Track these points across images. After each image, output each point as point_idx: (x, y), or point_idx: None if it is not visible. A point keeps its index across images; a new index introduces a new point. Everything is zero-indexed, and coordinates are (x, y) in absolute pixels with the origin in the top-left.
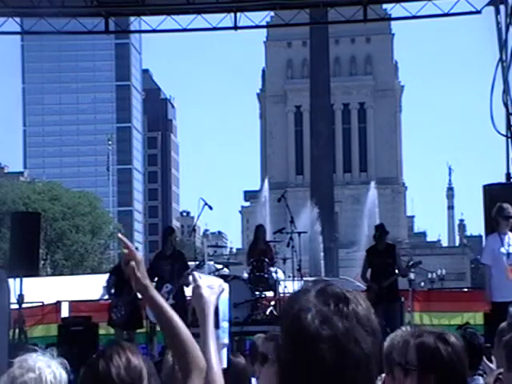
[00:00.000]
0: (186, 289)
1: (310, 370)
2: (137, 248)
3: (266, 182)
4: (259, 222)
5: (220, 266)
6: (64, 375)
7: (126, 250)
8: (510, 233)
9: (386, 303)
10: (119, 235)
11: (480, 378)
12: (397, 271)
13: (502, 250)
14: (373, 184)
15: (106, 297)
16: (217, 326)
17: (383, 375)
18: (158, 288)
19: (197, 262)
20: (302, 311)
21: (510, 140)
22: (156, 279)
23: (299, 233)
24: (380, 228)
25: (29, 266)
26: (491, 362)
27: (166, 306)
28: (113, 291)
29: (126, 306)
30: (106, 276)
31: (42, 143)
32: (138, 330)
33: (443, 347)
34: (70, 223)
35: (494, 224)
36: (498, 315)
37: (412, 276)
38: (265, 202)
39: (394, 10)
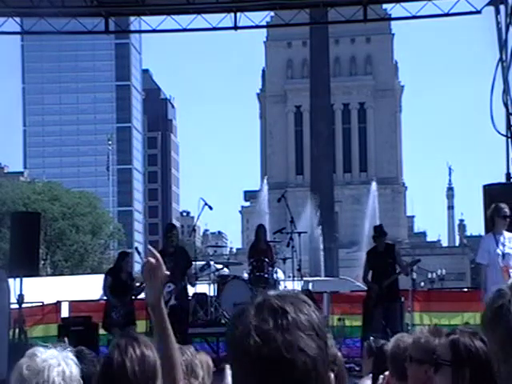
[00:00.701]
0: (188, 289)
1: None
2: (136, 248)
3: (265, 183)
4: (259, 222)
5: (220, 266)
6: (75, 370)
7: (153, 260)
8: (505, 233)
9: (387, 303)
10: (149, 247)
11: None
12: (398, 270)
13: (498, 250)
14: (374, 184)
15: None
16: None
17: (386, 373)
18: None
19: (203, 262)
20: (244, 336)
21: (510, 140)
22: None
23: (299, 233)
24: (378, 229)
25: (29, 266)
26: None
27: (169, 327)
28: (109, 293)
29: (124, 307)
30: None
31: (42, 143)
32: (138, 330)
33: (478, 344)
34: (70, 223)
35: (489, 224)
36: None
37: (414, 275)
38: (264, 202)
39: (394, 9)
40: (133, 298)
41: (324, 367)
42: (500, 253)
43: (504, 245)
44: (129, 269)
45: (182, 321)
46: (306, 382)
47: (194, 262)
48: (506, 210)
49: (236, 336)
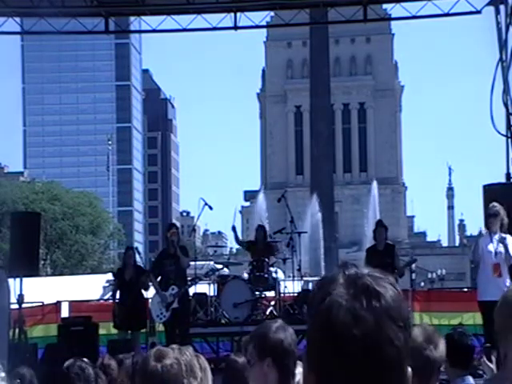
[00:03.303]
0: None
1: (341, 371)
2: (136, 248)
3: (262, 192)
4: (258, 223)
5: (220, 266)
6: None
7: None
8: (503, 234)
9: None
10: None
11: (470, 377)
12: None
13: (489, 247)
14: (375, 184)
15: (106, 297)
16: None
17: None
18: (164, 289)
19: (204, 263)
20: (333, 307)
21: (510, 140)
22: (159, 278)
23: (299, 233)
24: (379, 223)
25: (29, 266)
26: (491, 361)
27: None
28: (118, 295)
29: (129, 309)
30: (106, 276)
31: (42, 143)
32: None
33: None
34: (70, 223)
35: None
36: (487, 314)
37: (413, 276)
38: (261, 205)
39: (394, 9)
40: (141, 294)
41: (406, 361)
42: (492, 250)
43: (496, 242)
44: (131, 261)
45: (183, 322)
46: (388, 374)
47: (194, 262)
48: (493, 209)
49: (323, 308)
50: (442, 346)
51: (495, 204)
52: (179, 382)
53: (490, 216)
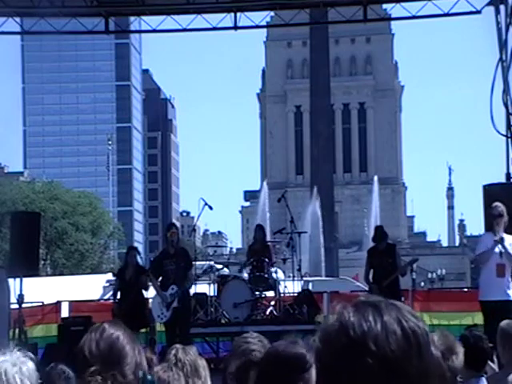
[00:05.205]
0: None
1: None
2: (136, 248)
3: (265, 185)
4: (258, 223)
5: (220, 266)
6: (31, 365)
7: None
8: (505, 235)
9: None
10: None
11: (484, 379)
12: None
13: (495, 248)
14: (376, 183)
15: (106, 297)
16: None
17: None
18: (164, 289)
19: (204, 263)
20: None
21: (510, 140)
22: (160, 278)
23: (299, 233)
24: (379, 230)
25: (29, 265)
26: (493, 362)
27: None
28: (119, 296)
29: (130, 309)
30: (106, 276)
31: (42, 143)
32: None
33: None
34: (71, 221)
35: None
36: (488, 314)
37: (414, 275)
38: (264, 204)
39: (394, 9)
40: (142, 294)
41: None
42: (497, 251)
43: (502, 244)
44: (134, 261)
45: (184, 322)
46: None
47: (194, 263)
48: (497, 209)
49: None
50: (461, 354)
51: (499, 204)
52: None
53: (495, 216)
